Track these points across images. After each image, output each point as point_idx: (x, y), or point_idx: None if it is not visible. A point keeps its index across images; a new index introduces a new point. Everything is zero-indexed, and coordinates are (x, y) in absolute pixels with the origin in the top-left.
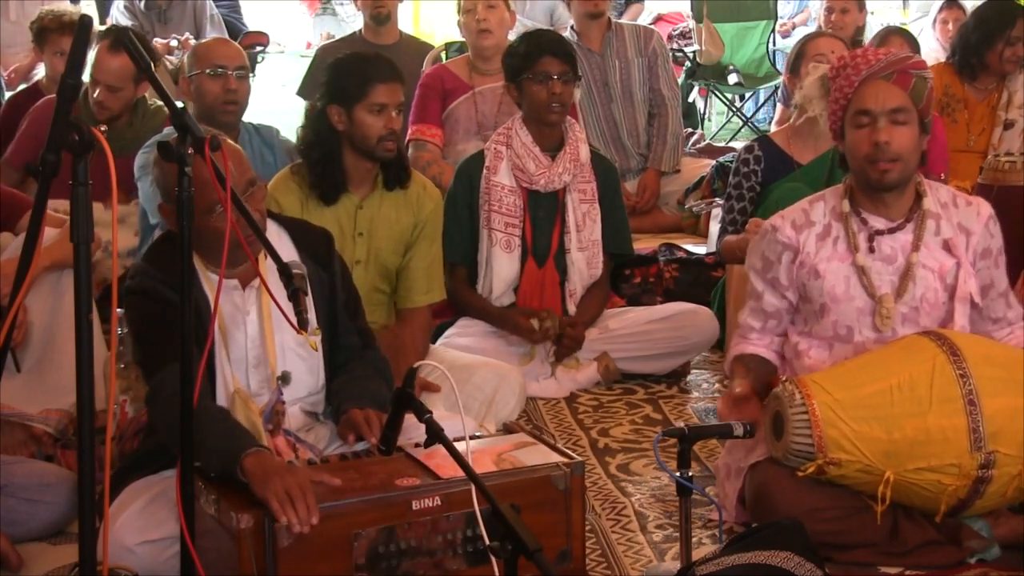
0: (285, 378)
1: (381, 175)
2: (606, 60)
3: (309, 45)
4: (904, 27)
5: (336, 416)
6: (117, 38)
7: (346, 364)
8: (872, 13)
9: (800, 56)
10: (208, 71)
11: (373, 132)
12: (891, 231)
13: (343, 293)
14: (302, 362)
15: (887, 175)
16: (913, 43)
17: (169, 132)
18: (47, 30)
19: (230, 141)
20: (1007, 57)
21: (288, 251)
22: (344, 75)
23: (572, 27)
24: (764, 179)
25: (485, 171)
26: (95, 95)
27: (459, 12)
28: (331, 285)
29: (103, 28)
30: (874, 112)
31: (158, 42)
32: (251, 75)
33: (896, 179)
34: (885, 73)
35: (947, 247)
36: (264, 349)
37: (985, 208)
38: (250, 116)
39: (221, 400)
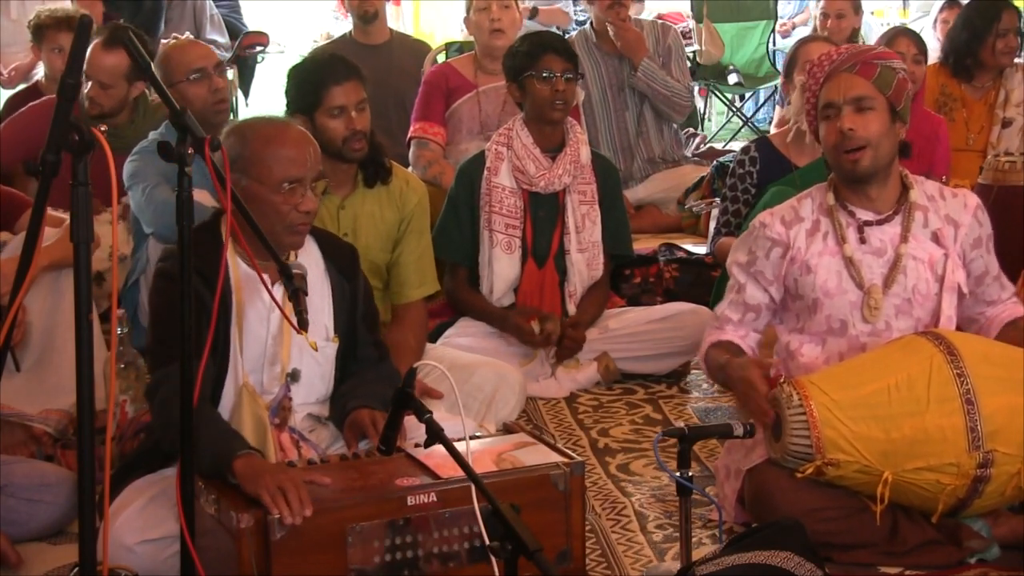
0: (295, 375)
1: (360, 174)
2: (624, 64)
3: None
4: (911, 28)
5: (340, 416)
6: (115, 36)
7: (357, 372)
8: (872, 13)
9: (793, 61)
10: (191, 77)
11: (337, 135)
12: (879, 223)
13: (363, 306)
14: (317, 367)
15: (858, 164)
16: (920, 43)
17: (157, 136)
18: (44, 27)
19: (302, 129)
20: (1000, 50)
21: (316, 260)
22: (299, 83)
23: (591, 24)
24: (760, 181)
25: (486, 172)
26: (86, 91)
27: (469, 10)
28: (353, 297)
29: (101, 25)
30: (837, 103)
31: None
32: (227, 69)
33: (868, 166)
34: (848, 66)
35: (936, 238)
36: (280, 348)
37: (972, 199)
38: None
39: (228, 392)
